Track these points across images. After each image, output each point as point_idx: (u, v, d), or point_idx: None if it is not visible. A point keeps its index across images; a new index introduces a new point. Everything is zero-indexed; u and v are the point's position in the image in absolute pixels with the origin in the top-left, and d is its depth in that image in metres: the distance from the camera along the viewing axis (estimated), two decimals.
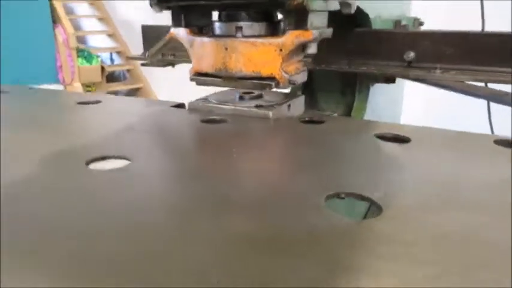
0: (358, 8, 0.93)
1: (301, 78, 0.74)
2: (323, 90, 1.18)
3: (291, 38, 0.65)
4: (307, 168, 0.45)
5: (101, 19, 4.75)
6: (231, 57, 0.67)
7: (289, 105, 0.73)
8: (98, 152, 0.49)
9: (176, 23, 0.73)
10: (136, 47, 1.34)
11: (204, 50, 0.70)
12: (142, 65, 1.29)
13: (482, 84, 1.05)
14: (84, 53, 4.27)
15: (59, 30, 3.96)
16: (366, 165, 0.46)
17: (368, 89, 1.19)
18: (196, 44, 0.71)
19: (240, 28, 0.68)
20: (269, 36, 0.67)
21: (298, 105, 0.77)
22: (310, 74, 1.11)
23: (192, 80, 0.74)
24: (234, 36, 0.68)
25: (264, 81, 0.68)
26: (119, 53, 4.83)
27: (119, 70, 4.69)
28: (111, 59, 4.79)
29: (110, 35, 4.77)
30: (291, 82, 0.69)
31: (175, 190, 0.41)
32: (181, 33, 0.73)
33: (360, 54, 1.05)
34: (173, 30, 0.74)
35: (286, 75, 0.67)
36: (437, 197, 0.38)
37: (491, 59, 0.93)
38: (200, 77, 0.72)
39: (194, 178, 0.43)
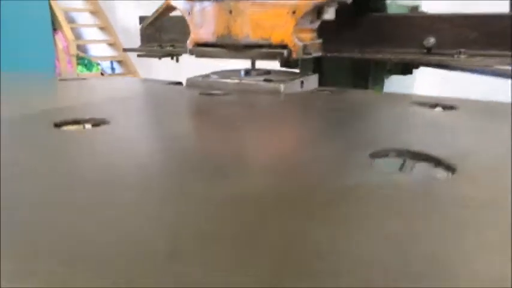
0: None
1: (317, 50, 0.64)
2: (333, 83, 1.08)
3: None
4: (338, 130, 0.35)
5: (102, 28, 4.70)
6: (235, 21, 0.58)
7: (302, 82, 0.63)
8: (70, 115, 0.39)
9: None
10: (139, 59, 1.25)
11: (205, 16, 0.61)
12: (139, 56, 1.20)
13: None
14: (85, 61, 4.21)
15: (59, 37, 3.90)
16: (412, 126, 0.36)
17: (383, 82, 1.09)
18: (195, 11, 0.62)
19: None
20: None
21: (312, 84, 0.67)
22: (319, 63, 1.02)
23: (190, 52, 0.65)
24: None
25: (275, 49, 0.58)
26: (120, 62, 4.78)
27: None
28: (112, 68, 4.73)
29: (110, 44, 4.72)
30: (305, 52, 0.60)
31: (169, 151, 0.31)
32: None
33: (374, 42, 0.96)
34: None
35: (299, 43, 0.58)
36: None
37: None
38: (200, 47, 0.63)
39: (191, 140, 0.33)
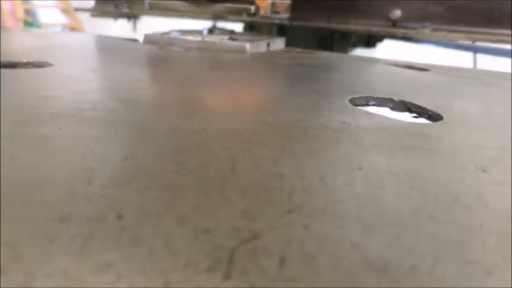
0: None
1: (285, 10, 0.61)
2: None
3: None
4: (309, 82, 0.32)
5: None
6: None
7: (268, 44, 0.59)
8: (6, 58, 0.34)
9: None
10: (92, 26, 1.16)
11: None
12: (92, 16, 1.11)
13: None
14: (33, 26, 3.93)
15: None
16: (388, 80, 0.33)
17: (346, 53, 1.08)
18: None
19: None
20: None
21: (278, 46, 0.63)
22: (283, 33, 0.99)
23: (148, 6, 0.59)
24: None
25: (241, 4, 0.54)
26: (72, 29, 4.52)
27: None
28: None
29: (63, 11, 4.44)
30: (274, 10, 0.56)
31: (114, 89, 0.27)
32: None
33: (340, 13, 0.94)
34: None
35: (268, 0, 0.54)
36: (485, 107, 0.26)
37: (482, 19, 0.85)
38: (160, 1, 0.58)
39: (142, 82, 0.29)
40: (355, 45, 1.12)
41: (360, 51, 1.14)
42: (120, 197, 0.11)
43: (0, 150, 0.14)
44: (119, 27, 1.20)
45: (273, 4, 0.55)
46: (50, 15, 4.51)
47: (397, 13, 0.92)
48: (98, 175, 0.13)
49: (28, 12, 4.14)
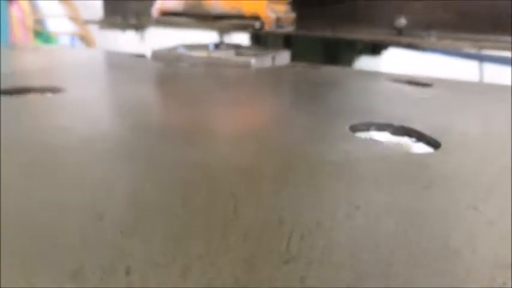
0: None
1: (290, 24, 0.62)
2: (303, 62, 1.07)
3: None
4: (312, 103, 0.33)
5: (61, 0, 4.46)
6: None
7: (273, 57, 0.60)
8: (19, 82, 0.35)
9: None
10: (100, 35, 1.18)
11: None
12: (101, 28, 1.13)
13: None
14: (43, 35, 3.99)
15: (14, 8, 3.66)
16: (389, 101, 0.34)
17: (351, 63, 1.08)
18: None
19: None
20: None
21: (283, 60, 0.64)
22: (289, 42, 1.00)
23: (157, 22, 0.60)
24: None
25: (246, 21, 0.55)
26: (81, 38, 4.57)
27: None
28: (72, 44, 4.51)
29: (71, 18, 4.49)
30: (278, 25, 0.57)
31: (125, 116, 0.28)
32: None
33: (346, 21, 0.94)
34: None
35: (273, 15, 0.55)
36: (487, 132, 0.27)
37: (488, 26, 0.85)
38: (167, 17, 0.59)
39: (153, 107, 0.30)
40: (360, 52, 1.12)
41: (366, 60, 1.14)
42: (128, 248, 0.12)
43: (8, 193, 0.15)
44: (127, 37, 1.22)
45: (278, 19, 0.56)
46: (59, 24, 4.57)
47: (402, 21, 0.92)
48: (107, 217, 0.14)
49: (38, 21, 4.20)
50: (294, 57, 0.77)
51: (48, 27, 4.56)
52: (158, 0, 0.59)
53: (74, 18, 4.46)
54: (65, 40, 4.42)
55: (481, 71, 1.16)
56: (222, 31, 0.59)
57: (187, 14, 0.57)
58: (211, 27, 0.57)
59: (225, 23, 0.56)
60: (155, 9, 0.60)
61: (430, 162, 0.20)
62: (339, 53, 1.05)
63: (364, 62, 1.17)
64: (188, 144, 0.21)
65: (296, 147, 0.21)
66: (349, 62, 1.09)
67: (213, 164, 0.19)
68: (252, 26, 0.54)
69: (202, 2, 0.55)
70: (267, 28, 0.55)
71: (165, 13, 0.59)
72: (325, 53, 1.08)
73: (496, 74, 1.07)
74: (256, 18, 0.54)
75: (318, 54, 1.08)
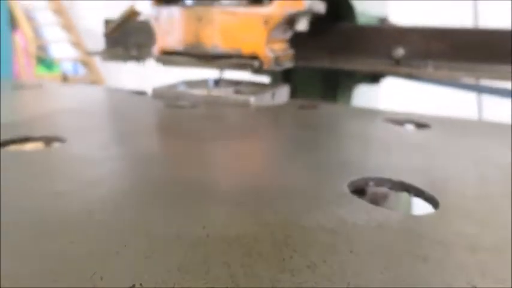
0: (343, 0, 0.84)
1: (288, 61, 0.62)
2: (302, 93, 1.08)
3: (279, 7, 0.53)
4: (310, 152, 0.33)
5: (64, 27, 4.54)
6: (205, 30, 0.55)
7: (273, 94, 0.61)
8: (21, 131, 0.36)
9: None
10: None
11: (172, 23, 0.58)
12: (103, 59, 1.15)
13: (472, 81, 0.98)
14: (45, 61, 4.04)
15: (18, 36, 3.73)
16: (387, 149, 0.34)
17: (350, 92, 1.09)
18: (162, 17, 0.59)
19: None
20: (252, 5, 0.56)
21: (282, 95, 0.65)
22: (289, 71, 1.01)
23: (157, 60, 0.61)
24: (209, 4, 0.56)
25: (246, 60, 0.56)
26: (83, 64, 4.63)
27: (82, 81, 4.46)
28: (75, 70, 4.56)
29: (73, 44, 4.56)
30: (277, 63, 0.58)
31: (125, 176, 0.28)
32: (145, 4, 0.60)
33: (344, 51, 0.96)
34: (135, 2, 0.61)
35: (271, 54, 0.55)
36: (489, 182, 0.27)
37: (484, 55, 0.86)
38: (167, 55, 0.60)
39: (151, 162, 0.30)
40: (359, 81, 1.13)
41: (365, 88, 1.15)
42: None
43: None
44: (128, 67, 1.24)
45: (277, 58, 0.56)
46: (61, 49, 4.63)
47: (399, 51, 0.94)
48: None
49: (40, 47, 4.27)
50: (294, 88, 0.78)
51: (50, 53, 4.63)
52: (159, 38, 0.61)
53: (77, 44, 4.53)
54: (67, 66, 4.48)
55: (479, 102, 1.18)
56: (222, 69, 0.60)
57: (187, 53, 0.58)
58: (211, 66, 0.58)
59: (224, 62, 0.57)
60: (156, 48, 0.61)
61: (427, 228, 0.20)
62: (338, 82, 1.06)
63: (364, 90, 1.18)
64: (187, 217, 0.21)
65: (291, 214, 0.21)
66: (348, 91, 1.10)
67: (211, 238, 0.19)
68: (251, 65, 0.55)
69: (202, 41, 0.56)
70: (265, 67, 0.56)
71: (165, 52, 0.60)
72: (325, 83, 1.09)
73: (494, 106, 1.08)
74: (255, 57, 0.55)
75: (317, 84, 1.09)
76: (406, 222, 0.20)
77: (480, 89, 0.91)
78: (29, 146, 0.34)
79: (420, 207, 0.25)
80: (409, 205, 0.47)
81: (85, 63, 4.54)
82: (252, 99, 0.55)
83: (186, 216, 0.21)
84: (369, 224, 0.20)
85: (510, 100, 0.80)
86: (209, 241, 0.18)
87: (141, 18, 0.65)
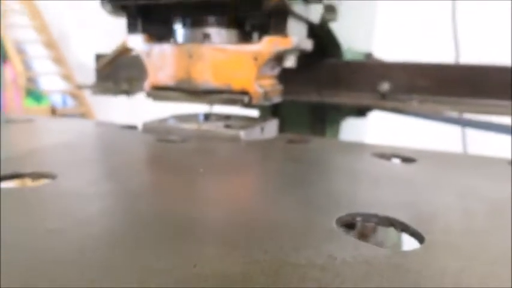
0: (330, 36, 0.87)
1: (277, 96, 0.64)
2: (291, 126, 1.09)
3: (267, 45, 0.55)
4: (299, 187, 0.33)
5: (55, 60, 4.57)
6: (195, 66, 0.57)
7: (262, 128, 0.62)
8: (10, 168, 0.36)
9: (132, 28, 0.62)
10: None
11: (164, 59, 0.59)
12: (93, 93, 1.16)
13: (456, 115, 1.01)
14: (34, 93, 4.05)
15: (7, 69, 3.74)
16: (374, 183, 0.35)
17: (338, 125, 1.11)
18: (154, 53, 0.60)
19: (207, 35, 0.58)
20: (242, 42, 0.57)
21: (272, 130, 0.66)
22: (277, 105, 1.03)
23: (148, 95, 0.62)
24: (200, 42, 0.57)
25: (235, 96, 0.57)
26: (73, 96, 4.64)
27: (71, 113, 4.46)
28: (64, 102, 4.57)
29: (64, 77, 4.58)
30: (266, 98, 0.59)
31: (116, 213, 0.28)
32: (136, 40, 0.62)
33: (331, 86, 0.99)
34: (127, 37, 0.62)
35: (260, 90, 0.57)
36: (477, 217, 0.27)
37: (466, 90, 0.89)
38: (158, 91, 0.61)
39: (141, 198, 0.31)
40: (347, 114, 1.16)
41: (352, 120, 1.18)
42: None
43: None
44: (118, 100, 1.24)
45: (266, 93, 0.58)
46: (51, 82, 4.65)
47: (385, 86, 0.97)
48: None
49: (30, 79, 4.29)
50: (282, 122, 0.79)
51: (40, 85, 4.64)
52: (150, 73, 0.62)
53: (67, 77, 4.56)
54: (56, 98, 4.48)
55: (463, 135, 1.20)
56: (212, 104, 0.61)
57: (178, 88, 0.59)
58: (201, 102, 0.59)
59: (215, 97, 0.58)
60: (147, 83, 0.62)
61: (413, 264, 0.20)
62: (326, 116, 1.08)
63: (351, 123, 1.20)
64: (178, 256, 0.21)
65: (281, 251, 0.21)
66: (336, 125, 1.12)
67: (203, 276, 0.19)
68: (241, 101, 0.56)
69: (193, 77, 0.57)
70: (255, 102, 0.57)
71: (157, 87, 0.61)
72: (313, 117, 1.11)
73: (479, 138, 1.11)
74: (244, 93, 0.56)
75: (305, 117, 1.11)
76: (393, 257, 0.21)
77: (464, 123, 0.94)
78: (20, 183, 0.34)
79: (407, 242, 0.26)
80: (397, 239, 0.47)
81: (74, 96, 4.55)
82: (242, 134, 0.56)
83: (177, 254, 0.21)
84: (357, 260, 0.20)
85: (493, 133, 0.82)
86: (200, 279, 0.19)
87: (132, 53, 0.66)
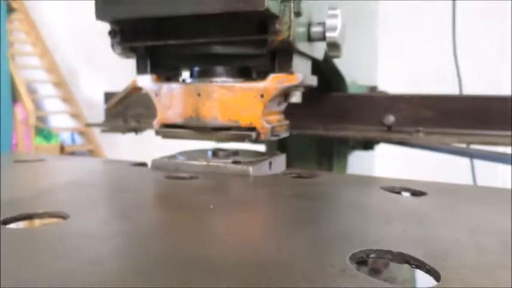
0: (335, 70, 0.89)
1: (284, 131, 0.64)
2: (298, 161, 1.10)
3: (273, 82, 0.56)
4: (310, 224, 0.33)
5: (64, 99, 4.67)
6: (204, 104, 0.58)
7: (270, 163, 0.62)
8: (22, 209, 0.36)
9: (141, 69, 0.64)
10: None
11: (173, 98, 0.60)
12: (103, 131, 1.18)
13: (464, 145, 1.01)
14: (44, 132, 4.11)
15: (18, 109, 3.82)
16: (386, 218, 0.35)
17: (346, 158, 1.11)
18: (163, 92, 0.62)
19: (214, 72, 0.60)
20: (248, 80, 0.59)
21: (280, 164, 0.66)
22: (284, 141, 1.03)
23: (157, 133, 0.63)
24: (208, 81, 0.59)
25: (243, 132, 0.58)
26: (81, 133, 4.70)
27: (80, 150, 4.51)
28: (73, 139, 4.63)
29: (73, 115, 4.67)
30: (274, 134, 0.60)
31: (127, 253, 0.28)
32: (146, 80, 0.63)
33: (336, 119, 0.99)
34: (137, 78, 0.64)
35: (268, 125, 0.58)
36: (490, 252, 0.27)
37: (470, 121, 0.89)
38: (167, 128, 0.62)
39: (152, 237, 0.31)
40: (353, 148, 1.16)
41: (360, 154, 1.18)
42: None
43: None
44: (126, 136, 1.26)
45: (273, 128, 0.58)
46: (60, 120, 4.73)
47: (390, 118, 0.97)
48: None
49: (40, 118, 4.37)
50: (289, 156, 0.79)
51: (50, 124, 4.72)
52: (159, 111, 0.63)
53: (76, 115, 4.64)
54: (65, 136, 4.54)
55: (472, 166, 1.20)
56: (220, 141, 0.62)
57: (186, 126, 0.60)
58: (210, 139, 0.60)
59: (223, 133, 0.58)
60: (156, 121, 0.63)
61: None
62: (333, 149, 1.08)
63: (358, 156, 1.20)
64: None
65: None
66: (343, 158, 1.12)
67: None
68: (249, 137, 0.57)
69: (201, 115, 0.58)
70: (262, 137, 0.58)
71: (166, 125, 0.62)
72: (320, 150, 1.11)
73: (487, 168, 1.10)
74: (252, 129, 0.57)
75: (312, 151, 1.11)
76: None
77: (472, 154, 0.93)
78: (31, 223, 0.35)
79: (421, 278, 0.25)
80: (410, 275, 0.46)
81: (83, 134, 4.62)
82: (251, 170, 0.56)
83: None
84: None
85: (501, 164, 0.82)
86: None
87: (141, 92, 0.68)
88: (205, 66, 0.61)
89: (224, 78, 0.59)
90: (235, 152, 0.66)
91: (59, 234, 0.31)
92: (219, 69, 0.60)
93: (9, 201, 0.39)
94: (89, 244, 0.29)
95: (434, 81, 1.76)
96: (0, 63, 2.46)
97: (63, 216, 0.35)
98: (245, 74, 0.61)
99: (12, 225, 0.33)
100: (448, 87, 1.16)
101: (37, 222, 0.36)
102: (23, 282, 0.22)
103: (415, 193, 0.45)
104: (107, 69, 3.16)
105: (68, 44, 4.52)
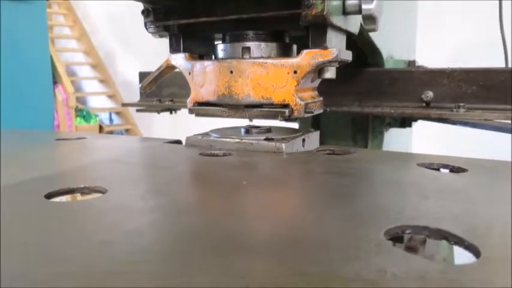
0: (371, 45, 0.86)
1: (318, 108, 0.63)
2: (332, 138, 1.08)
3: (307, 58, 0.55)
4: (345, 200, 0.33)
5: (102, 81, 4.79)
6: (236, 81, 0.57)
7: (303, 140, 0.62)
8: (64, 183, 0.38)
9: (174, 48, 0.64)
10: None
11: (206, 76, 0.60)
12: (138, 110, 1.20)
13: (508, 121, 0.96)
14: (83, 112, 4.25)
15: (59, 90, 3.96)
16: (423, 194, 0.34)
17: (382, 135, 1.09)
18: (196, 70, 0.62)
19: (247, 49, 0.59)
20: (281, 56, 0.58)
21: (314, 141, 0.65)
22: (318, 116, 1.02)
23: (190, 111, 0.64)
24: (240, 57, 0.58)
25: (276, 109, 0.57)
26: (118, 113, 4.83)
27: (117, 130, 4.65)
28: (110, 119, 4.77)
29: (110, 96, 4.79)
30: (307, 111, 0.59)
31: (164, 226, 0.29)
32: (179, 59, 0.64)
33: (372, 96, 0.96)
34: (170, 56, 0.65)
35: (301, 102, 0.57)
36: None
37: None
38: (200, 106, 0.62)
39: (187, 211, 0.31)
40: (389, 125, 1.13)
41: (397, 130, 1.14)
42: None
43: None
44: (162, 114, 1.28)
45: (306, 105, 0.58)
46: (98, 102, 4.87)
47: (429, 94, 0.93)
48: None
49: (79, 100, 4.51)
50: (323, 132, 0.78)
51: (89, 105, 4.87)
52: (192, 90, 0.63)
53: (113, 96, 4.76)
54: (103, 116, 4.69)
55: None
56: (253, 118, 0.62)
57: (220, 104, 0.60)
58: (243, 116, 0.59)
59: (256, 111, 0.58)
60: (189, 100, 0.64)
61: (470, 281, 0.19)
62: (368, 126, 1.06)
63: (395, 133, 1.17)
64: (221, 261, 0.21)
65: (329, 264, 0.21)
66: (379, 135, 1.09)
67: (243, 287, 0.19)
68: (282, 114, 0.57)
69: (234, 92, 0.58)
70: (296, 114, 0.57)
71: (199, 103, 0.63)
72: (354, 127, 1.09)
73: None
74: (285, 106, 0.57)
75: (347, 128, 1.09)
76: (448, 273, 0.20)
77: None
78: (72, 198, 0.36)
79: (460, 256, 0.25)
80: (449, 253, 0.45)
81: (120, 114, 4.75)
82: (284, 146, 0.56)
83: (225, 268, 0.21)
84: (409, 275, 0.20)
85: None
86: None
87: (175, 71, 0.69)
88: (238, 41, 0.60)
89: (257, 54, 0.59)
90: (268, 129, 0.66)
91: (99, 208, 0.32)
92: (252, 44, 0.59)
93: (51, 176, 0.41)
94: (128, 218, 0.29)
95: (477, 55, 1.68)
96: (43, 47, 2.55)
97: (102, 191, 0.36)
98: (279, 49, 0.60)
99: (56, 199, 0.35)
100: (492, 62, 1.10)
101: (78, 196, 0.37)
102: (65, 256, 0.23)
103: (454, 170, 0.43)
104: (142, 51, 3.21)
105: (104, 26, 4.61)
